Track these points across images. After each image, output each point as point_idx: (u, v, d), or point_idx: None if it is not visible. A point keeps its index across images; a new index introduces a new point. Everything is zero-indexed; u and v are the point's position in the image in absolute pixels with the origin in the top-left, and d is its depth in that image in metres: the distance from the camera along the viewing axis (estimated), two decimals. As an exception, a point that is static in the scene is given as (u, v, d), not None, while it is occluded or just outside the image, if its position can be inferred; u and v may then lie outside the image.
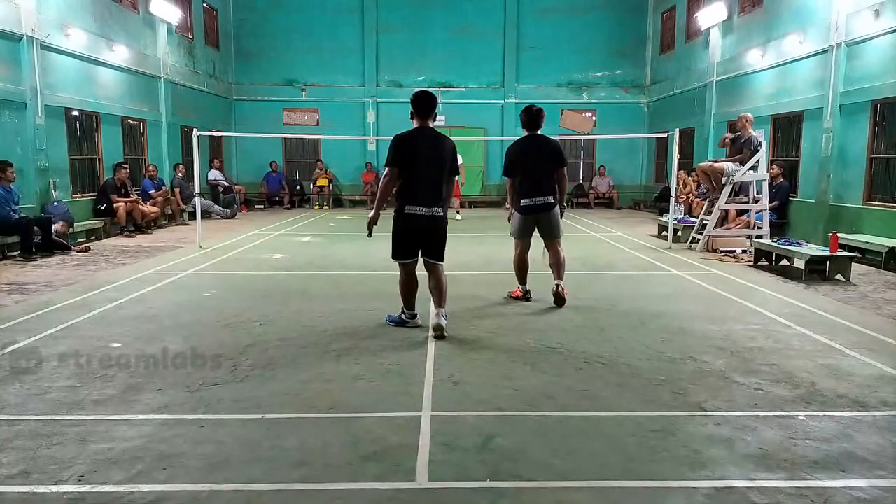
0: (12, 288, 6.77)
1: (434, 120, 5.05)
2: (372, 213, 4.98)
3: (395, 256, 5.02)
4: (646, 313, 5.74)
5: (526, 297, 6.20)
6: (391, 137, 4.95)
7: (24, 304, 5.99)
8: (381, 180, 5.02)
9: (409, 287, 5.12)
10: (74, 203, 10.93)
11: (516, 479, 2.78)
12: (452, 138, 5.18)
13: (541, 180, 5.95)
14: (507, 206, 6.60)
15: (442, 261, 5.04)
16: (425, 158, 4.85)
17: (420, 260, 5.02)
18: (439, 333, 4.84)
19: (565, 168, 6.07)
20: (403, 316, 5.20)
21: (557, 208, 6.03)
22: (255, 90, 19.16)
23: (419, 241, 4.94)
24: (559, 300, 5.92)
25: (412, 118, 4.98)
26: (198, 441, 3.12)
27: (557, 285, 5.98)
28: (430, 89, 5.21)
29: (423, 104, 4.96)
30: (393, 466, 2.88)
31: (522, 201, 5.98)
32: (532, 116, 6.02)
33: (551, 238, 6.09)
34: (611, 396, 3.76)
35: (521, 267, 6.21)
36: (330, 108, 19.17)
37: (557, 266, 6.05)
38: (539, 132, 6.05)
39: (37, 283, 7.01)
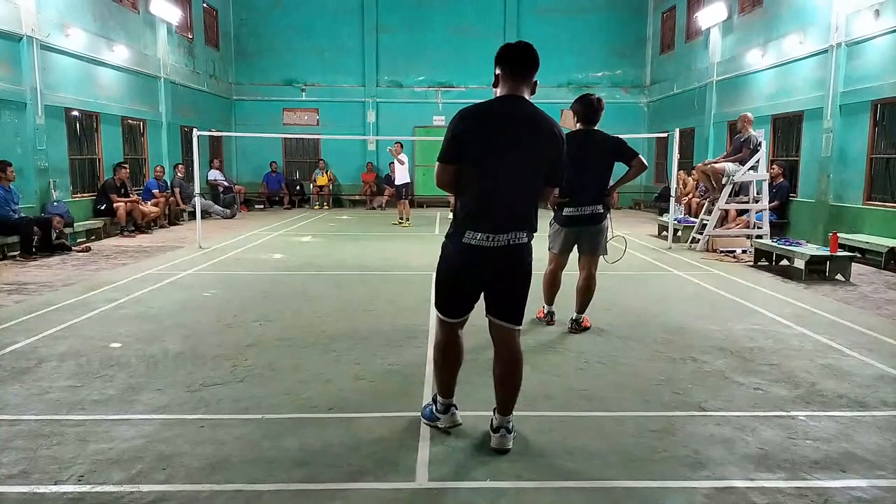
0: (12, 288, 6.76)
1: (533, 91, 2.95)
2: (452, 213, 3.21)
3: (438, 306, 3.13)
4: (646, 313, 5.74)
5: (548, 318, 5.36)
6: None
7: (24, 304, 5.99)
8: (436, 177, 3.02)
9: (447, 358, 3.18)
10: (74, 203, 10.94)
11: (516, 479, 2.78)
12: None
13: (590, 186, 4.89)
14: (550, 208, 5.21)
15: (520, 324, 3.07)
16: (510, 152, 2.85)
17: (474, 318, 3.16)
18: (501, 452, 3.02)
19: (637, 158, 4.89)
20: (436, 407, 3.27)
21: (607, 221, 5.03)
22: (255, 90, 19.17)
23: (480, 286, 3.03)
24: (576, 330, 5.13)
25: (495, 86, 2.99)
26: (198, 441, 3.12)
27: (575, 321, 5.14)
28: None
29: (519, 56, 2.92)
30: (393, 466, 2.88)
31: (566, 210, 4.95)
32: (592, 108, 4.94)
33: (591, 254, 5.09)
34: (611, 396, 3.76)
35: (552, 285, 5.28)
36: (330, 108, 19.19)
37: (587, 292, 5.09)
38: (597, 128, 5.01)
39: (37, 283, 7.01)
